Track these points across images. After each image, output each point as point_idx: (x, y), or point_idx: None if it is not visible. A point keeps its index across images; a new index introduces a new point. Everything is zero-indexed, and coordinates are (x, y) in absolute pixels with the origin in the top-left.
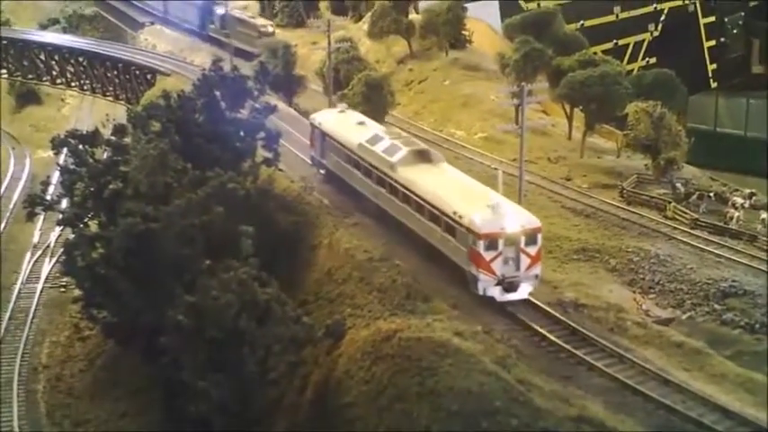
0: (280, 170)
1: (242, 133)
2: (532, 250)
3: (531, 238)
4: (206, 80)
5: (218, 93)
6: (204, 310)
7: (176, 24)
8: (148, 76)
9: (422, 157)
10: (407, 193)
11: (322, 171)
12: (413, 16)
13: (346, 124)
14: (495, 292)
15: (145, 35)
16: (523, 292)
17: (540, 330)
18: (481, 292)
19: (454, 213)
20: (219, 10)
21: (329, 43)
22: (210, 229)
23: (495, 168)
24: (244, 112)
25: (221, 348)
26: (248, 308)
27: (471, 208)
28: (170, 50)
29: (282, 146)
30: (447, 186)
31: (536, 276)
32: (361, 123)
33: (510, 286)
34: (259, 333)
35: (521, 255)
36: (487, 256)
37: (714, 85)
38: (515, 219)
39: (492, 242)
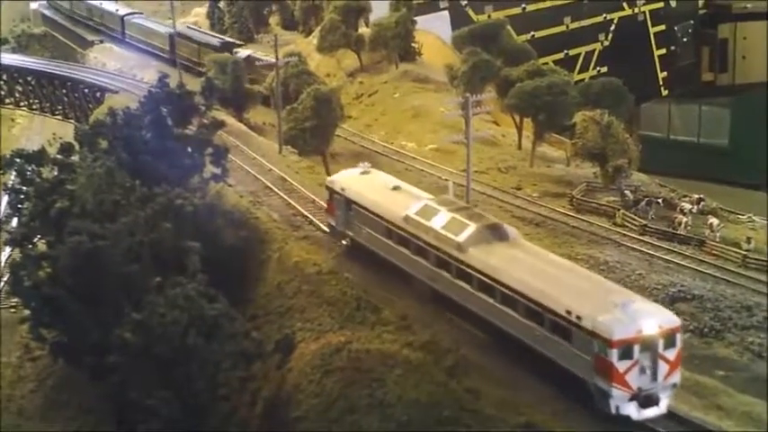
0: (229, 185)
1: (189, 149)
2: (671, 354)
3: (669, 339)
4: (152, 97)
5: (164, 109)
6: (151, 327)
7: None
8: (97, 95)
9: (495, 233)
10: (487, 281)
11: (344, 241)
12: (363, 30)
13: (378, 190)
14: (631, 410)
15: (94, 53)
16: (663, 406)
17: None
18: (613, 411)
19: (569, 313)
20: (242, 52)
21: (276, 58)
22: (158, 246)
23: (446, 180)
24: (192, 128)
25: (170, 365)
26: (196, 324)
27: (591, 305)
28: (119, 68)
29: (232, 161)
30: (543, 274)
31: (674, 385)
32: (397, 189)
33: (647, 400)
34: (208, 349)
35: (659, 361)
36: (621, 366)
37: (665, 92)
38: (651, 318)
39: (627, 349)
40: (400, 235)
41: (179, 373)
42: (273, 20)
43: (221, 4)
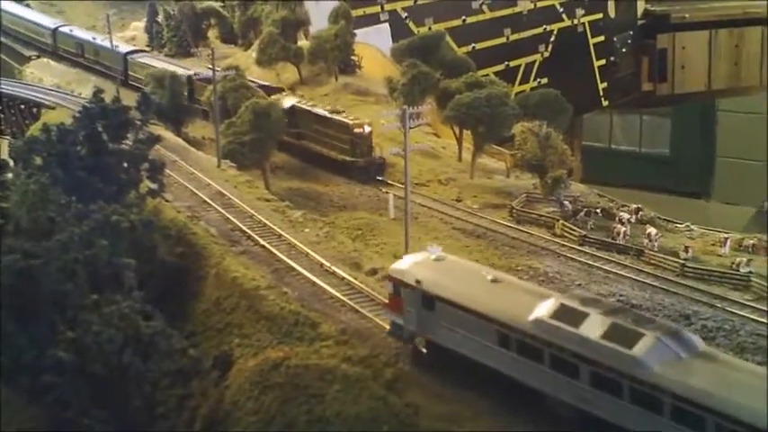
0: (166, 201)
1: (125, 164)
2: None
3: None
4: (87, 112)
5: (99, 124)
6: (86, 345)
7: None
8: (34, 110)
9: (681, 344)
10: (696, 412)
11: (418, 345)
12: (302, 42)
13: (473, 283)
14: None
15: (31, 69)
16: None
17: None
18: None
19: None
20: (284, 102)
21: (213, 72)
22: (94, 263)
23: (387, 192)
24: (128, 143)
25: (105, 384)
26: (132, 342)
27: None
28: (56, 83)
29: (169, 176)
30: None
31: None
32: (497, 281)
33: None
34: (144, 368)
35: None
36: None
37: (605, 103)
38: None
39: None
40: (526, 343)
41: (115, 392)
42: (212, 33)
43: (159, 18)
